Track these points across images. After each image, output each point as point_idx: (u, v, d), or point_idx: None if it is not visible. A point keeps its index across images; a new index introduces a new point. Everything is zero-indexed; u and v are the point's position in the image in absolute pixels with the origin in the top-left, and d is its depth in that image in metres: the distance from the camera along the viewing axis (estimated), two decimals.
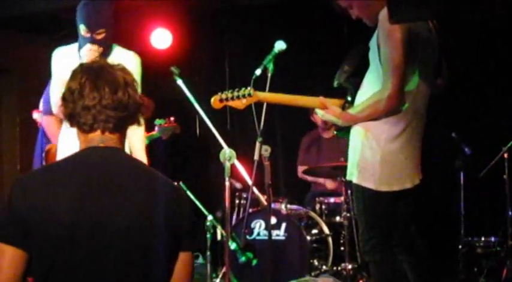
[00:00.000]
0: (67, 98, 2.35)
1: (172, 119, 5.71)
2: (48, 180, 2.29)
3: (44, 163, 5.35)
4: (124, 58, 4.09)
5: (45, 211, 2.22)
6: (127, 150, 3.70)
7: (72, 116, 2.36)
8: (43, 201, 2.23)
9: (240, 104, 3.99)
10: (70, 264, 2.22)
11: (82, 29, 4.18)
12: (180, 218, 2.35)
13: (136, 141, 4.22)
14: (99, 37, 4.17)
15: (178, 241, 2.36)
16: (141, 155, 4.19)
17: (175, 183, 2.50)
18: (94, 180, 2.28)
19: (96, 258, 2.22)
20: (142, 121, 2.48)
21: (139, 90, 2.47)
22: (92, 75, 2.34)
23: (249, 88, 3.98)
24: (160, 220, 2.30)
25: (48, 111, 5.33)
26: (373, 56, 3.70)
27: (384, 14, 3.50)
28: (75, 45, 4.28)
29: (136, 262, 2.27)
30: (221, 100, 4.01)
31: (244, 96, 3.96)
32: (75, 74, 2.36)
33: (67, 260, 2.21)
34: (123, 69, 2.42)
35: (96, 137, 2.36)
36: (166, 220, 2.31)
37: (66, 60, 4.15)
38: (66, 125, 3.53)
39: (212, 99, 4.03)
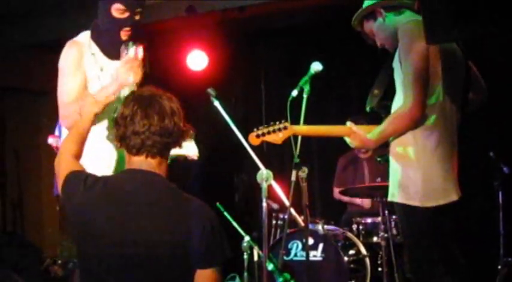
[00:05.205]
0: (120, 122, 2.64)
1: None
2: (90, 198, 2.63)
3: None
4: None
5: (85, 226, 2.62)
6: None
7: (122, 139, 2.65)
8: (83, 217, 2.62)
9: (277, 138, 4.00)
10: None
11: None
12: (193, 237, 2.58)
13: None
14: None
15: (191, 259, 2.59)
16: None
17: (205, 205, 2.71)
18: (125, 201, 2.61)
19: (123, 270, 2.57)
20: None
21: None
22: (143, 104, 2.62)
23: (283, 121, 4.00)
24: (175, 239, 2.58)
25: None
26: (397, 76, 3.70)
27: (403, 28, 3.55)
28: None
29: (154, 275, 2.56)
30: (258, 136, 4.04)
31: (279, 129, 3.99)
32: (127, 101, 2.66)
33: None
34: (170, 98, 2.69)
35: (138, 162, 2.65)
36: (180, 239, 2.58)
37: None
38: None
39: (249, 137, 4.07)
